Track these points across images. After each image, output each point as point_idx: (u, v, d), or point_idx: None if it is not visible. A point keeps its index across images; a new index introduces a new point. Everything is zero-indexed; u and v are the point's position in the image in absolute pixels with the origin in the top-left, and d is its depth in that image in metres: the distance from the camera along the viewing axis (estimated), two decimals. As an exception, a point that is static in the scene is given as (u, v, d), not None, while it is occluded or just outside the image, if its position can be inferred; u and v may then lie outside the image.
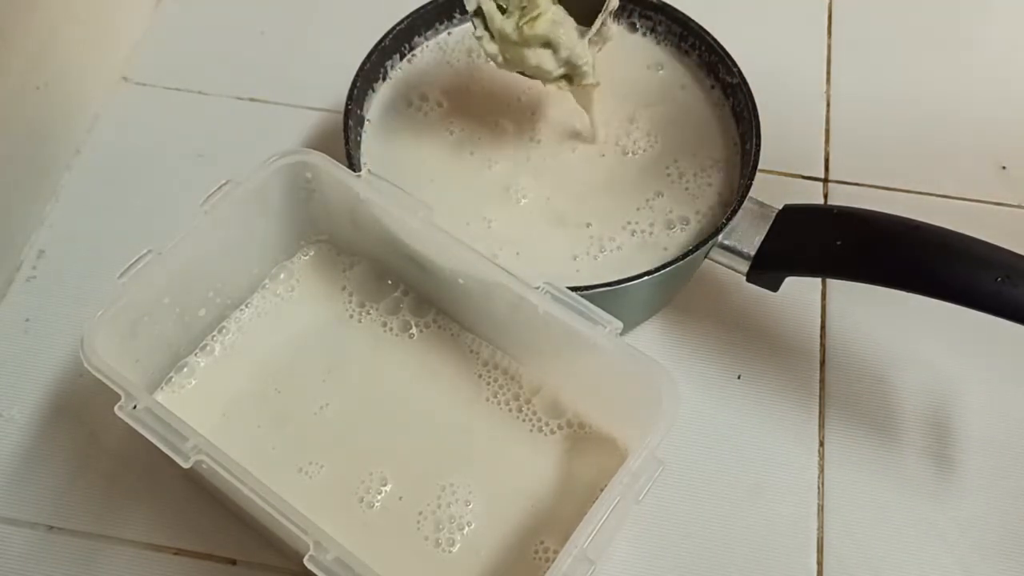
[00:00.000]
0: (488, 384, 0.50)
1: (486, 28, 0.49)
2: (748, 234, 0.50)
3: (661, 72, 0.58)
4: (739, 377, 0.54)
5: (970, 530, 0.50)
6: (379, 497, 0.47)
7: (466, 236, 0.51)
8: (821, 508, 0.50)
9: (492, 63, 0.51)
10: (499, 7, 0.49)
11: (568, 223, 0.53)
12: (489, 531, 0.46)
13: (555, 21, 0.48)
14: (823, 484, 0.51)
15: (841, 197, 0.61)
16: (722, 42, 0.56)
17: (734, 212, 0.50)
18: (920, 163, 0.63)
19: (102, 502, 0.50)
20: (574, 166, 0.55)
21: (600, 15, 0.49)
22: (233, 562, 0.48)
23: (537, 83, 0.51)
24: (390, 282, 0.53)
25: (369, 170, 0.49)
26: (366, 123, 0.56)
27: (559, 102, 0.56)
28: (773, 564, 0.49)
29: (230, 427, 0.48)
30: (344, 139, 0.53)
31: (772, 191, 0.52)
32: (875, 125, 0.65)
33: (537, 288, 0.45)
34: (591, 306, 0.44)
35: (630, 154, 0.55)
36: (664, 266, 0.49)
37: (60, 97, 0.61)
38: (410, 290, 0.53)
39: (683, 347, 0.55)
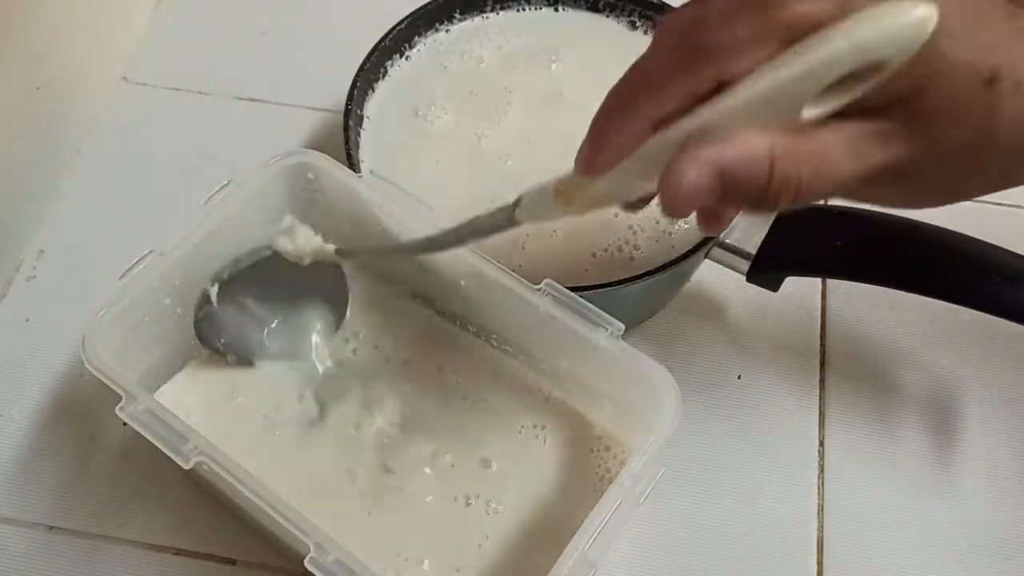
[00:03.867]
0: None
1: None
2: (748, 234, 0.50)
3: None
4: (739, 377, 0.54)
5: (970, 530, 0.50)
6: (380, 497, 0.47)
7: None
8: (821, 508, 0.50)
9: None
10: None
11: (569, 223, 0.53)
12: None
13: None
14: (823, 484, 0.51)
15: (841, 197, 0.61)
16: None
17: (734, 212, 0.50)
18: (920, 163, 0.62)
19: (102, 502, 0.50)
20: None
21: None
22: (233, 562, 0.48)
23: (536, 84, 0.50)
24: (390, 282, 0.53)
25: (370, 170, 0.49)
26: (366, 123, 0.56)
27: (560, 102, 0.56)
28: (773, 564, 0.49)
29: (231, 428, 0.48)
30: (344, 139, 0.53)
31: (772, 191, 0.52)
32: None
33: (538, 289, 0.45)
34: (592, 307, 0.44)
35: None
36: (664, 266, 0.49)
37: (60, 97, 0.61)
38: (411, 290, 0.53)
39: (683, 347, 0.55)
